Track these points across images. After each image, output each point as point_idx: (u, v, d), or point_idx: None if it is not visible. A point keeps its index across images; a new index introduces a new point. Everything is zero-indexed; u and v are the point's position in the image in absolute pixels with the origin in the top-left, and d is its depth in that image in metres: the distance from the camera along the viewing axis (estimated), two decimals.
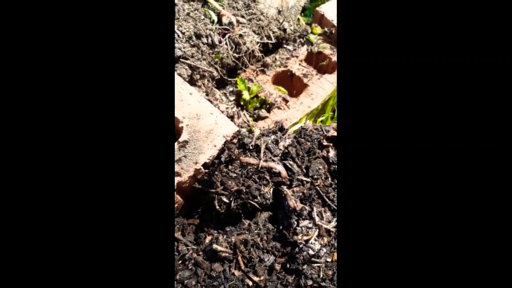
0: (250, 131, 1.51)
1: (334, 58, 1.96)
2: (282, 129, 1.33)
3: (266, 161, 1.20)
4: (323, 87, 1.86)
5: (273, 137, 1.28)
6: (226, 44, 1.61)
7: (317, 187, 1.16)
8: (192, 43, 1.55)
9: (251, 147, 1.23)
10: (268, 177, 1.17)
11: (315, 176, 1.17)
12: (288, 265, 1.06)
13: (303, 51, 1.99)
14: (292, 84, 1.92)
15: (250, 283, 1.04)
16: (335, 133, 1.24)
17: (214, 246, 1.06)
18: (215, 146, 1.20)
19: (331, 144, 1.23)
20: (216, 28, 1.62)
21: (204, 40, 1.57)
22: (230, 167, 1.20)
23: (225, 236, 1.10)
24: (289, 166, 1.19)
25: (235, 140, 1.26)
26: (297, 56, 1.97)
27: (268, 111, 1.73)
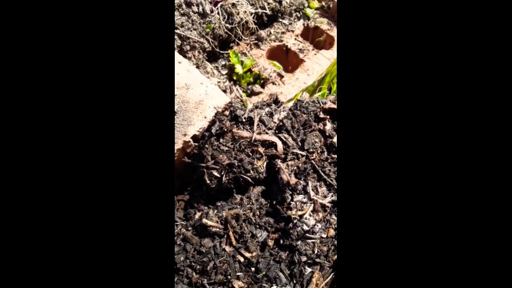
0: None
1: (331, 33, 1.88)
2: (276, 102, 1.27)
3: (259, 133, 1.13)
4: (319, 63, 1.78)
5: (267, 109, 1.22)
6: (218, 13, 1.52)
7: (312, 161, 1.10)
8: (182, 12, 1.45)
9: (244, 120, 1.17)
10: (261, 151, 1.11)
11: (311, 150, 1.11)
12: (281, 241, 1.01)
13: (299, 26, 1.91)
14: (288, 60, 1.84)
15: (242, 259, 0.99)
16: (332, 105, 1.18)
17: (204, 220, 1.00)
18: (205, 117, 1.13)
19: (328, 117, 1.17)
20: None
21: (195, 8, 1.48)
22: (221, 140, 1.13)
23: (215, 211, 1.04)
24: (284, 139, 1.13)
25: (226, 112, 1.19)
26: (293, 31, 1.88)
27: (262, 86, 1.66)
